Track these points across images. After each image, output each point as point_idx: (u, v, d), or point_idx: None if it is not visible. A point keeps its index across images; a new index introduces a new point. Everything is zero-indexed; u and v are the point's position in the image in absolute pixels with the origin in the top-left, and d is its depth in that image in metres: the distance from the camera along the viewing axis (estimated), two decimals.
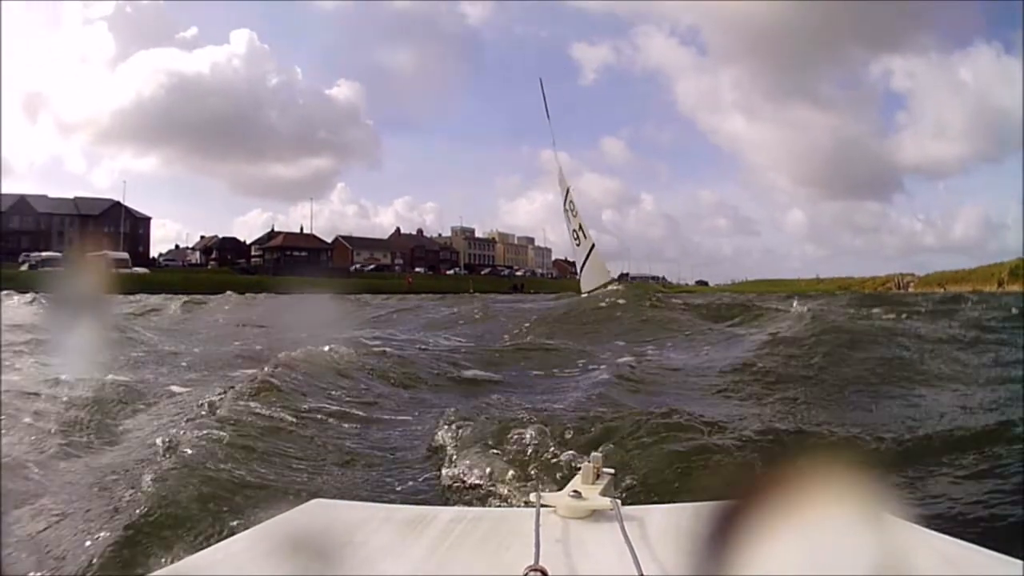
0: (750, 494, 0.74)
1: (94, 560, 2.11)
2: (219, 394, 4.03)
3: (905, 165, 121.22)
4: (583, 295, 17.09)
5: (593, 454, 1.29)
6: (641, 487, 2.72)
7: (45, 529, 2.37)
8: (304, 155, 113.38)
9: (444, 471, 2.93)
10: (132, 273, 43.03)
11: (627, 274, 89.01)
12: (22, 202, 56.90)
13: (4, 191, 56.32)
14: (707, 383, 5.31)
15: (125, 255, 48.28)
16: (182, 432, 3.21)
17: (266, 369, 4.65)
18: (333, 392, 4.57)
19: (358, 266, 66.56)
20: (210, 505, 2.53)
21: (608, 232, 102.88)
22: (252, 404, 3.80)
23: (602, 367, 5.80)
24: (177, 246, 72.43)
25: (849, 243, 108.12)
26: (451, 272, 68.74)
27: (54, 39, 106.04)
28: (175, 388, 4.89)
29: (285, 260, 62.94)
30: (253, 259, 67.80)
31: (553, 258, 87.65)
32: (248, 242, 72.50)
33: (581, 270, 18.60)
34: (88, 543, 2.21)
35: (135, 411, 4.18)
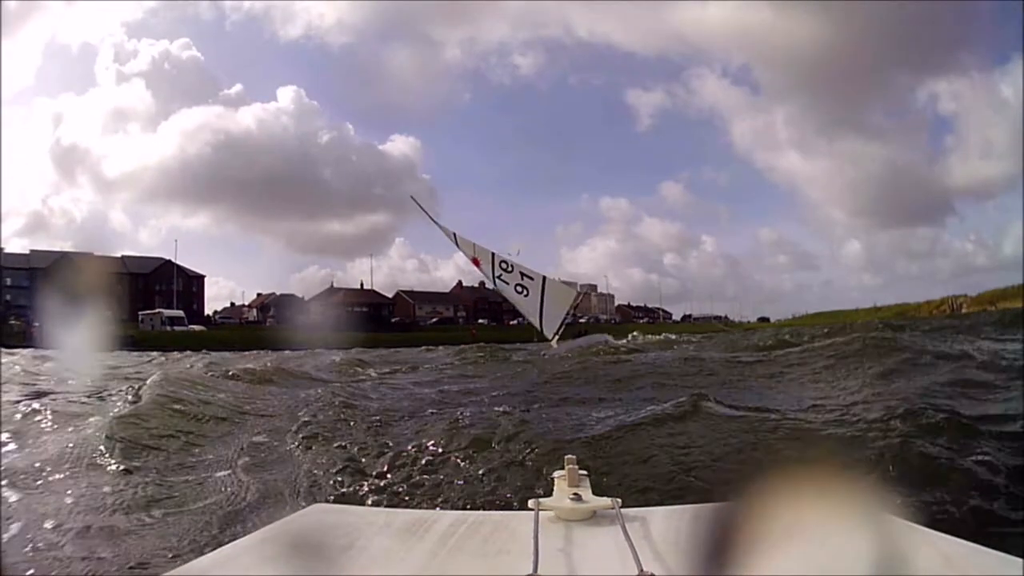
0: (750, 495, 0.74)
1: (94, 560, 2.15)
2: None
3: (955, 188, 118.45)
4: (552, 345, 16.69)
5: (567, 456, 1.27)
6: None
7: (45, 529, 2.43)
8: (360, 211, 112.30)
9: None
10: (188, 331, 43.13)
11: (690, 315, 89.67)
12: (65, 258, 54.86)
13: (43, 248, 56.81)
14: None
15: (180, 313, 48.68)
16: None
17: None
18: None
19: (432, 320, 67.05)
20: None
21: (670, 275, 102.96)
22: None
23: None
24: (233, 304, 72.39)
25: (904, 270, 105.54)
26: (514, 322, 68.67)
27: (88, 97, 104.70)
28: None
29: (346, 316, 62.93)
30: (313, 316, 67.07)
31: (616, 304, 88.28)
32: (306, 298, 71.80)
33: (540, 317, 17.60)
34: (88, 543, 2.27)
35: None
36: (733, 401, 4.92)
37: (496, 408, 5.18)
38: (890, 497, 2.23)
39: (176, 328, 43.62)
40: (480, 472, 3.37)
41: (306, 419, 4.93)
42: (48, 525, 2.52)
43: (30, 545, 2.35)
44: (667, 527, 1.05)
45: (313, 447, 4.13)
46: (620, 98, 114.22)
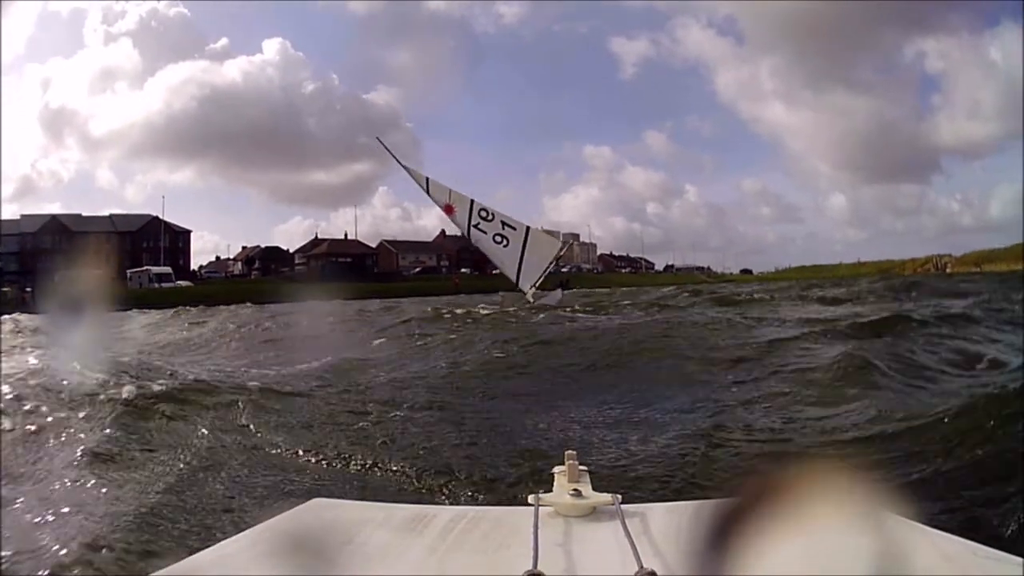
0: (751, 492, 0.73)
1: (95, 560, 2.17)
2: None
3: (942, 146, 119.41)
4: (528, 300, 15.44)
5: (567, 452, 1.26)
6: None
7: (46, 529, 2.45)
8: (345, 161, 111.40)
9: None
10: (176, 287, 43.45)
11: (672, 265, 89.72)
12: (54, 222, 56.66)
13: (32, 212, 57.56)
14: None
15: (168, 269, 48.88)
16: None
17: None
18: None
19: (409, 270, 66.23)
20: None
21: (652, 224, 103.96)
22: None
23: None
24: (218, 258, 72.36)
25: (890, 226, 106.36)
26: (496, 272, 68.25)
27: (76, 60, 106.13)
28: None
29: (330, 267, 62.62)
30: (297, 267, 67.36)
31: (599, 253, 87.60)
32: (291, 251, 72.09)
33: (519, 269, 16.00)
34: (89, 544, 2.29)
35: None
36: None
37: None
38: (890, 495, 2.27)
39: (164, 285, 43.64)
40: None
41: None
42: (48, 522, 2.53)
43: (30, 544, 2.36)
44: (667, 524, 1.05)
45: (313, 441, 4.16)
46: (605, 46, 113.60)
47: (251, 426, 4.50)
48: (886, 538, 0.78)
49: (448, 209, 16.31)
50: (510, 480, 3.21)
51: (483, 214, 16.26)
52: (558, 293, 15.95)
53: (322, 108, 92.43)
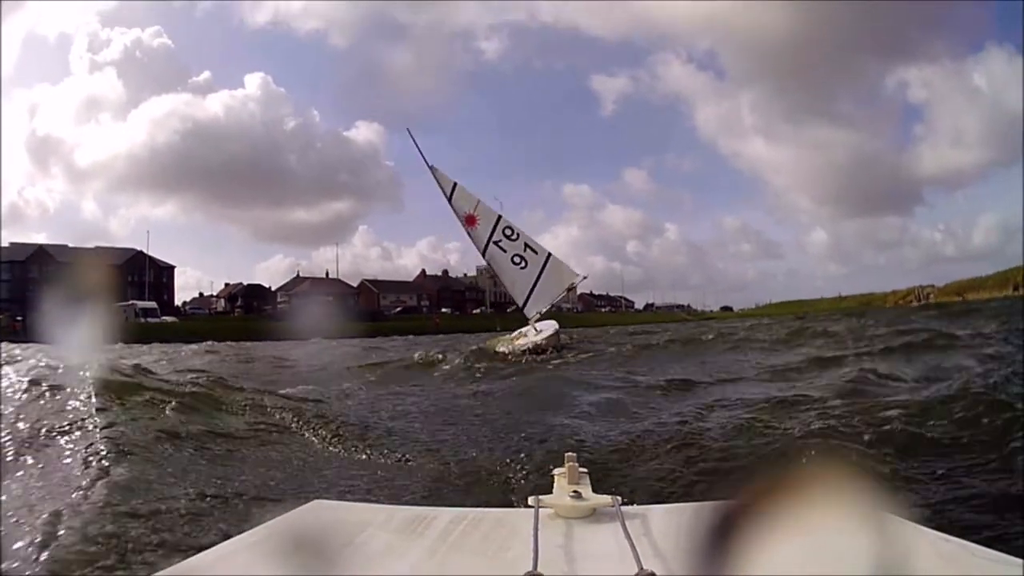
0: (751, 494, 0.74)
1: (94, 560, 2.14)
2: None
3: (924, 177, 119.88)
4: (536, 328, 14.24)
5: (568, 454, 1.27)
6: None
7: (46, 529, 2.41)
8: (325, 199, 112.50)
9: None
10: (161, 322, 43.07)
11: (652, 304, 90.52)
12: (41, 251, 56.58)
13: (19, 240, 57.24)
14: None
15: (154, 304, 48.56)
16: None
17: None
18: None
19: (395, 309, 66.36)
20: None
21: (632, 263, 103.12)
22: None
23: None
24: (201, 294, 72.43)
25: (872, 259, 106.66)
26: (477, 311, 68.11)
27: (62, 87, 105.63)
28: None
29: (312, 306, 61.71)
30: (280, 305, 67.49)
31: (579, 292, 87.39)
32: (273, 288, 72.46)
33: (529, 294, 15.42)
34: (87, 541, 2.25)
35: None
36: None
37: None
38: (890, 496, 2.26)
39: (150, 320, 43.22)
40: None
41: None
42: (47, 524, 2.49)
43: (29, 544, 2.32)
44: (667, 525, 1.06)
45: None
46: (584, 83, 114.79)
47: (251, 429, 4.50)
48: (885, 539, 0.78)
49: (470, 220, 15.74)
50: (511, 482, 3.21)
51: (507, 232, 15.67)
52: (554, 324, 15.22)
53: (303, 145, 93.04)
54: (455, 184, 16.00)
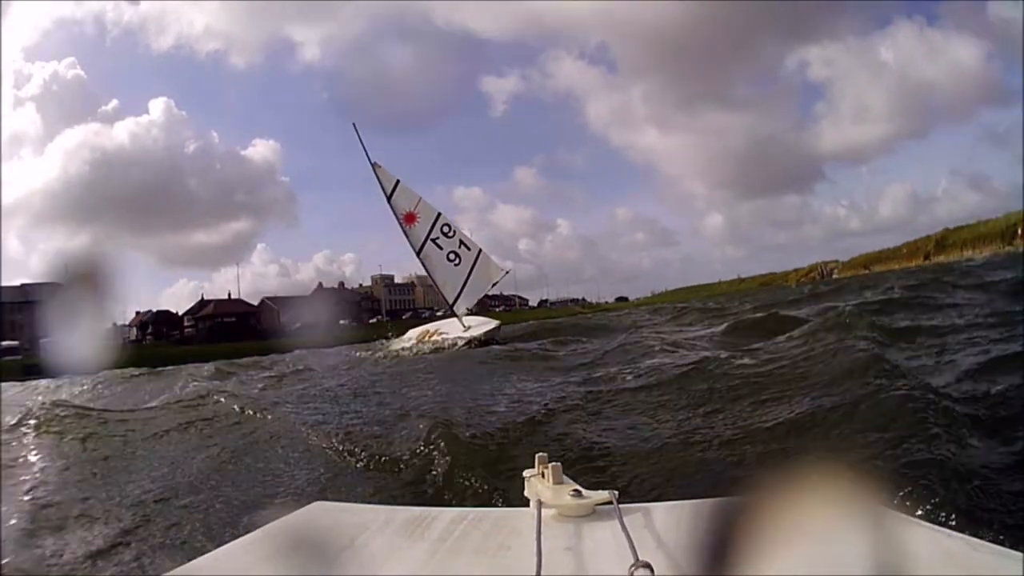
0: (751, 491, 0.74)
1: (94, 560, 2.15)
2: None
3: (825, 154, 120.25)
4: (464, 324, 14.86)
5: (539, 455, 1.25)
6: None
7: (46, 530, 2.43)
8: (224, 220, 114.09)
9: None
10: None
11: (547, 300, 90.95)
12: None
13: None
14: None
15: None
16: None
17: None
18: None
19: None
20: None
21: (526, 261, 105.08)
22: None
23: None
24: (114, 323, 70.73)
25: (771, 239, 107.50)
26: (374, 320, 67.80)
27: None
28: None
29: (217, 328, 63.13)
30: (187, 329, 67.78)
31: None
32: (180, 313, 72.76)
33: (461, 289, 15.81)
34: (87, 543, 2.27)
35: None
36: None
37: None
38: (890, 492, 2.27)
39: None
40: None
41: None
42: (47, 526, 2.51)
43: (29, 545, 2.34)
44: (667, 522, 1.06)
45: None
46: (476, 86, 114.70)
47: (250, 432, 4.51)
48: (885, 535, 0.78)
49: (409, 218, 15.82)
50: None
51: (444, 230, 15.87)
52: (487, 320, 15.78)
53: (203, 167, 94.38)
54: (397, 181, 16.04)
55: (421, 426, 3.95)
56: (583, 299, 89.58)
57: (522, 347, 11.07)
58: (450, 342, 13.51)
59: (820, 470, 0.77)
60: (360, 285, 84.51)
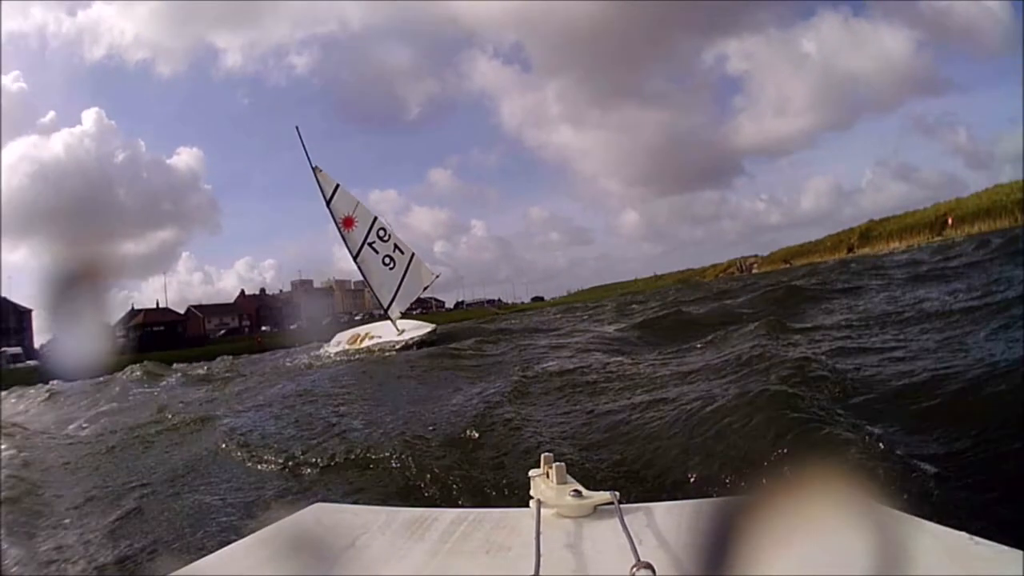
0: (751, 490, 0.74)
1: (94, 561, 2.15)
2: None
3: (744, 148, 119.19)
4: (397, 327, 15.05)
5: (544, 455, 1.24)
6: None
7: (47, 530, 2.42)
8: (151, 229, 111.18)
9: None
10: (27, 366, 41.01)
11: (463, 301, 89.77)
12: None
13: None
14: None
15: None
16: None
17: None
18: None
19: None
20: None
21: (441, 263, 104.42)
22: None
23: None
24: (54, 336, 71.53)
25: (689, 235, 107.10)
26: (294, 326, 66.19)
27: None
28: None
29: (147, 337, 61.52)
30: (119, 339, 67.14)
31: None
32: (112, 323, 71.70)
33: (395, 293, 16.13)
34: (87, 545, 2.27)
35: None
36: None
37: None
38: (889, 489, 2.27)
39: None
40: None
41: None
42: (46, 527, 2.51)
43: (29, 546, 2.34)
44: (667, 522, 1.06)
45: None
46: (391, 89, 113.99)
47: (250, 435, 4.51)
48: (885, 532, 0.79)
49: (348, 222, 15.79)
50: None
51: (380, 234, 15.87)
52: (421, 324, 15.96)
53: (130, 177, 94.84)
54: (337, 186, 16.05)
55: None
56: (499, 300, 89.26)
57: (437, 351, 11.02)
58: (388, 346, 13.57)
59: (820, 470, 0.77)
60: (281, 291, 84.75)
